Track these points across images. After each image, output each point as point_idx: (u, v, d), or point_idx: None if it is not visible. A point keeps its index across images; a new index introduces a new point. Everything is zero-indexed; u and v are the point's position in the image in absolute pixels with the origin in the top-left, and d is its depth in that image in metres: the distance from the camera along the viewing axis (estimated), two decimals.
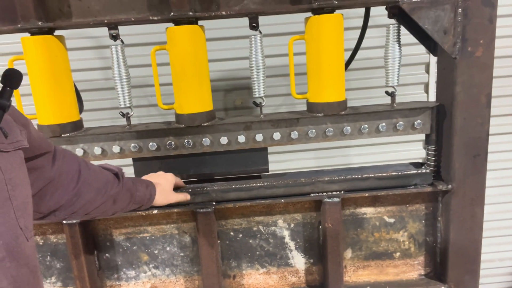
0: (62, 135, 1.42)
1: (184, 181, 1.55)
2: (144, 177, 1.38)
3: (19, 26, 1.31)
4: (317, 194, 1.53)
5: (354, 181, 1.53)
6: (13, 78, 0.83)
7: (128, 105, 1.46)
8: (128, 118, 1.49)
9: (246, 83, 2.43)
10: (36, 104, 1.40)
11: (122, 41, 1.42)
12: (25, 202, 0.83)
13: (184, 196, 1.46)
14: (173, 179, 1.44)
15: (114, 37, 1.40)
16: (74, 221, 1.49)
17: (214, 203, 1.52)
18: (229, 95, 2.48)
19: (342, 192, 1.53)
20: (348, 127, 1.48)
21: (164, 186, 1.38)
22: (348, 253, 1.66)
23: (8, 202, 0.77)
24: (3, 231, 0.75)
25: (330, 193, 1.53)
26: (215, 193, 1.52)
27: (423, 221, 1.62)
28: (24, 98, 1.49)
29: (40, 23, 1.32)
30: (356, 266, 1.67)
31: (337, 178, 1.52)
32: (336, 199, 1.51)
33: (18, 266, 0.78)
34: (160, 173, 1.44)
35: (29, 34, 1.37)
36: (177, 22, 1.37)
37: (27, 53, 1.35)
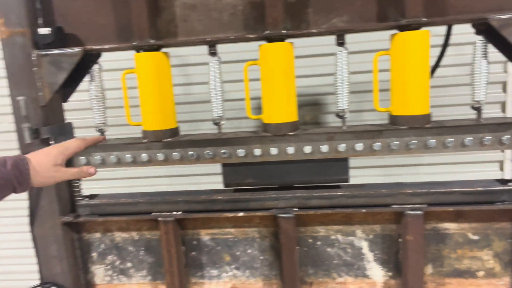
0: (163, 140, 1.59)
1: (265, 187, 1.64)
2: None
3: (135, 43, 1.51)
4: (398, 206, 1.55)
5: (437, 195, 1.53)
6: None
7: (220, 115, 1.60)
8: (219, 127, 1.63)
9: (315, 99, 2.51)
10: (143, 112, 1.59)
11: (219, 58, 1.57)
12: None
13: (79, 171, 1.27)
14: (61, 151, 1.24)
15: (213, 54, 1.56)
16: (170, 218, 1.64)
17: (295, 209, 1.60)
18: (299, 111, 2.56)
19: (425, 205, 1.54)
20: (433, 141, 1.49)
21: (41, 162, 1.18)
22: (429, 269, 1.63)
23: None
24: None
25: (412, 205, 1.54)
26: (297, 200, 1.60)
27: (510, 240, 1.57)
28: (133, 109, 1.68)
29: (152, 41, 1.51)
30: (436, 283, 1.64)
31: (420, 191, 1.53)
32: (419, 212, 1.52)
33: None
34: (45, 148, 1.26)
35: (141, 51, 1.57)
36: (270, 39, 1.50)
37: (140, 67, 1.54)
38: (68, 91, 1.71)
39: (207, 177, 2.65)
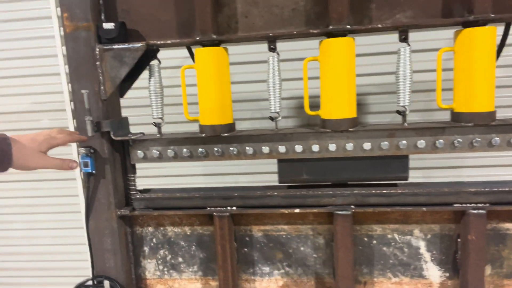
0: (222, 135, 1.59)
1: (319, 184, 1.63)
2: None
3: (197, 38, 1.53)
4: (460, 205, 1.52)
5: (501, 194, 1.50)
6: None
7: (278, 110, 1.60)
8: (276, 122, 1.62)
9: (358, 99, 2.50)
10: (202, 106, 1.59)
11: (278, 54, 1.57)
12: None
13: (61, 162, 1.24)
14: (46, 140, 1.22)
15: (273, 49, 1.57)
16: (225, 214, 1.63)
17: (353, 206, 1.58)
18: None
19: (487, 204, 1.51)
20: (497, 138, 1.46)
21: (26, 146, 1.16)
22: (488, 270, 1.60)
23: None
24: None
25: (475, 204, 1.51)
26: (355, 197, 1.58)
27: None
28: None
29: (214, 36, 1.52)
30: (495, 284, 1.61)
31: (483, 189, 1.50)
32: (481, 211, 1.49)
33: None
34: (31, 133, 1.23)
35: (200, 47, 1.59)
36: (331, 35, 1.50)
37: (201, 62, 1.55)
38: (125, 86, 1.73)
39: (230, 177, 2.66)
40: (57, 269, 2.98)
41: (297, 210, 1.61)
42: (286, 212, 1.62)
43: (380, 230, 1.64)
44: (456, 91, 1.50)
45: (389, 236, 1.64)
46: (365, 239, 1.65)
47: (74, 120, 1.63)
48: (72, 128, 2.73)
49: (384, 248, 1.65)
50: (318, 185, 1.66)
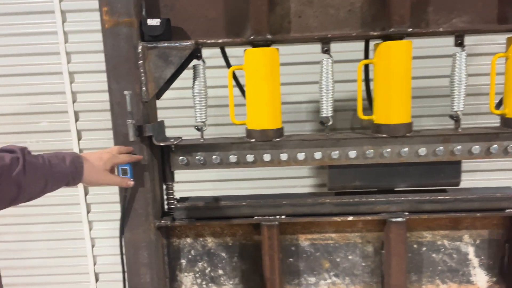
0: (273, 140, 1.51)
1: (368, 191, 1.59)
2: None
3: (251, 38, 1.44)
4: None
5: None
6: None
7: (330, 114, 1.54)
8: (326, 127, 1.57)
9: None
10: (251, 110, 1.51)
11: (331, 56, 1.51)
12: None
13: (121, 180, 1.35)
14: (110, 159, 1.30)
15: (326, 52, 1.51)
16: (274, 223, 1.55)
17: (406, 213, 1.55)
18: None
19: None
20: None
21: (94, 163, 1.26)
22: None
23: None
24: None
25: None
26: (410, 204, 1.55)
27: None
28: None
29: (269, 36, 1.44)
30: None
31: None
32: None
33: None
34: (98, 151, 1.34)
35: (250, 47, 1.50)
36: (388, 38, 1.46)
37: (253, 64, 1.47)
38: (163, 87, 1.61)
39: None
40: (53, 284, 2.77)
41: (350, 218, 1.56)
42: (339, 220, 1.56)
43: (430, 236, 1.62)
44: (507, 96, 1.50)
45: (439, 242, 1.62)
46: (415, 246, 1.63)
47: (113, 123, 1.49)
48: (74, 132, 2.55)
49: (434, 255, 1.63)
50: (366, 191, 1.62)
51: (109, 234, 2.69)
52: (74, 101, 2.52)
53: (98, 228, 2.68)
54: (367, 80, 1.72)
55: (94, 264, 2.73)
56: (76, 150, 2.55)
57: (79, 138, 2.57)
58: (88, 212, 2.65)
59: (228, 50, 1.70)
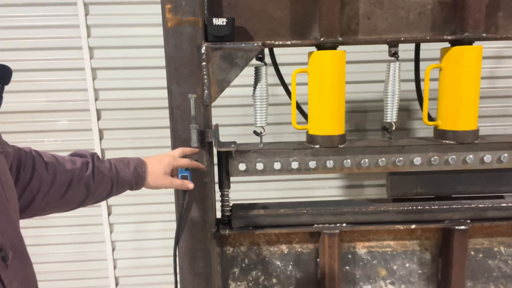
0: (339, 146, 1.46)
1: (428, 198, 1.56)
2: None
3: (322, 40, 1.38)
4: None
5: None
6: (4, 74, 0.82)
7: (394, 120, 1.50)
8: (390, 132, 1.53)
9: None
10: (316, 115, 1.45)
11: (398, 59, 1.47)
12: (16, 204, 0.83)
13: (181, 183, 1.32)
14: (170, 162, 1.29)
15: (394, 55, 1.46)
16: (335, 231, 1.51)
17: (469, 221, 1.53)
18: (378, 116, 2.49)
19: None
20: None
21: (155, 168, 1.26)
22: None
23: (6, 203, 0.76)
24: (8, 231, 0.73)
25: None
26: (473, 211, 1.53)
27: None
28: None
29: (340, 38, 1.38)
30: None
31: None
32: None
33: (25, 266, 0.78)
34: (159, 154, 1.33)
35: (316, 49, 1.44)
36: (457, 42, 1.43)
37: (320, 67, 1.41)
38: None
39: None
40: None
41: (413, 226, 1.53)
42: (402, 228, 1.53)
43: (487, 243, 1.61)
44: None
45: (495, 249, 1.61)
46: (472, 253, 1.61)
47: (172, 127, 1.40)
48: (96, 131, 2.43)
49: (490, 261, 1.62)
50: (424, 198, 1.59)
51: (130, 237, 2.60)
52: (96, 99, 2.40)
53: (119, 231, 2.58)
54: (417, 82, 1.69)
55: (115, 268, 2.63)
56: (98, 150, 2.43)
57: (101, 138, 2.45)
58: (109, 214, 2.55)
59: None
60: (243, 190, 2.43)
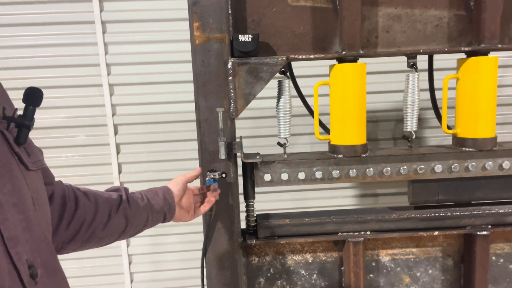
0: (362, 155, 1.50)
1: (447, 204, 1.59)
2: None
3: (343, 53, 1.43)
4: None
5: None
6: (35, 96, 0.81)
7: (415, 129, 1.54)
8: (410, 141, 1.57)
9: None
10: (338, 125, 1.50)
11: (416, 70, 1.52)
12: (48, 223, 0.83)
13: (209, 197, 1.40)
14: (183, 187, 1.32)
15: (412, 66, 1.51)
16: (359, 239, 1.54)
17: (490, 226, 1.56)
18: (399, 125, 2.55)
19: None
20: None
21: (176, 193, 1.29)
22: None
23: (36, 221, 0.75)
24: (40, 249, 0.73)
25: None
26: (494, 217, 1.56)
27: None
28: None
29: (362, 51, 1.43)
30: None
31: None
32: None
33: (57, 283, 0.77)
34: (176, 179, 1.34)
35: (337, 62, 1.49)
36: (473, 53, 1.48)
37: (343, 79, 1.46)
38: None
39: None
40: None
41: (436, 233, 1.56)
42: (424, 235, 1.56)
43: (508, 248, 1.64)
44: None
45: None
46: (493, 258, 1.64)
47: (199, 141, 1.44)
48: (113, 145, 2.46)
49: (511, 266, 1.65)
50: (446, 205, 1.63)
51: (147, 250, 2.61)
52: (113, 114, 2.45)
53: (136, 244, 2.60)
54: (432, 91, 1.73)
55: (131, 281, 2.64)
56: (115, 164, 2.47)
57: (118, 152, 2.49)
58: None
59: None
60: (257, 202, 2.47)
